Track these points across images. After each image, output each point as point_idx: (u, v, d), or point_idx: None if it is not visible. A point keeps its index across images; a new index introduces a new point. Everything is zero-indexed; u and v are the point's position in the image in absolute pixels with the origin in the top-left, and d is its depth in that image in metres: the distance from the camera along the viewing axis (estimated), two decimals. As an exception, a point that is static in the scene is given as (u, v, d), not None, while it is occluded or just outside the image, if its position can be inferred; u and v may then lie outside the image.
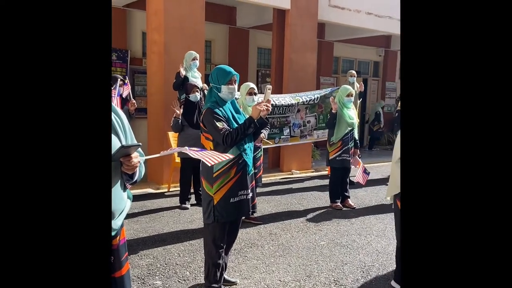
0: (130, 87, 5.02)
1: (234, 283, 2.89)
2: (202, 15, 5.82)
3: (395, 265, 3.09)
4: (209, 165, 1.95)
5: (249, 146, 2.61)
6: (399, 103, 6.51)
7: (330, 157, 4.96)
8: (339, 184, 5.04)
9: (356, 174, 4.91)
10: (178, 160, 5.12)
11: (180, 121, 4.61)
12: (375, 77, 11.65)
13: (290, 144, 6.48)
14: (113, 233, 1.52)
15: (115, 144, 1.51)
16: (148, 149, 5.86)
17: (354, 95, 4.98)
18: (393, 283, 2.95)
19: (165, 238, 3.79)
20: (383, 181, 6.63)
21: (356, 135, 5.04)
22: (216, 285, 2.64)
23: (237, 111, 2.65)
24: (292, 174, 7.12)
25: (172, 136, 5.34)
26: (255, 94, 4.08)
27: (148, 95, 6.17)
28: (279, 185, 6.26)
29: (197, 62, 5.13)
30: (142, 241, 3.66)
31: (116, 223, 1.52)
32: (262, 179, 4.76)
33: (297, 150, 7.11)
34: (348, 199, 5.10)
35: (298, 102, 6.16)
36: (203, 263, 3.10)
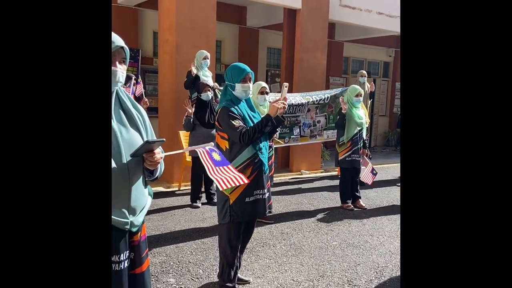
0: (142, 85, 5.04)
1: (247, 282, 2.89)
2: (213, 14, 5.84)
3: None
4: (221, 188, 1.82)
5: (264, 145, 2.61)
6: None
7: (340, 158, 4.94)
8: (349, 185, 5.02)
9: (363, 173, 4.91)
10: (189, 159, 5.13)
11: (191, 120, 4.62)
12: (385, 78, 11.59)
13: (299, 144, 6.47)
14: (134, 230, 1.52)
15: (137, 140, 1.51)
16: (158, 148, 5.87)
17: (363, 95, 4.96)
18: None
19: (177, 236, 3.80)
20: (394, 182, 6.59)
21: (365, 135, 5.02)
22: (230, 284, 2.64)
23: (252, 110, 2.65)
24: (301, 174, 7.11)
25: (183, 135, 5.35)
26: (266, 93, 4.09)
27: (159, 94, 6.20)
28: (289, 185, 6.25)
29: (208, 61, 5.15)
30: (154, 239, 3.67)
31: (137, 219, 1.52)
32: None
33: (306, 150, 7.09)
34: (359, 200, 5.07)
35: (308, 102, 6.15)
36: (216, 261, 3.12)
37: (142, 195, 1.55)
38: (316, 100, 6.22)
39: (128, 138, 1.49)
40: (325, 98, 6.31)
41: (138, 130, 1.53)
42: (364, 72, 6.72)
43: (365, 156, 4.97)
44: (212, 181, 2.52)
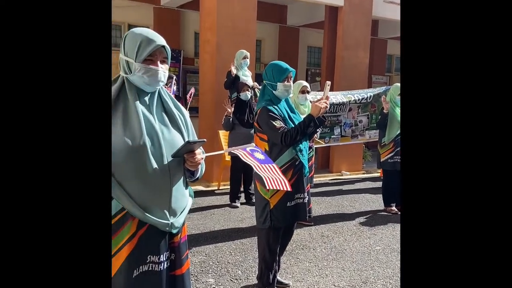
0: (176, 83, 5.09)
1: (287, 285, 2.83)
2: (254, 14, 5.82)
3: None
4: (268, 187, 1.82)
5: (304, 147, 2.53)
6: None
7: (382, 159, 4.75)
8: (393, 187, 4.81)
9: None
10: (228, 158, 5.14)
11: (231, 119, 4.62)
12: (431, 76, 11.10)
13: (340, 144, 6.32)
14: (175, 231, 1.50)
15: (179, 140, 1.50)
16: (199, 147, 5.95)
17: None
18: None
19: (216, 235, 3.81)
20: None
21: None
22: None
23: (292, 110, 2.58)
24: (342, 175, 6.94)
25: (223, 135, 5.38)
26: (307, 92, 4.00)
27: (200, 94, 6.27)
28: (329, 186, 6.12)
29: (248, 60, 5.14)
30: (194, 238, 3.70)
31: (178, 220, 1.50)
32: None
33: (347, 150, 6.91)
34: (404, 203, 4.85)
35: (349, 101, 5.98)
36: (255, 263, 3.08)
37: (183, 196, 1.53)
38: (358, 99, 6.04)
39: (169, 138, 1.48)
40: (367, 97, 6.11)
41: (179, 130, 1.52)
42: (409, 70, 6.44)
43: None
44: (251, 181, 2.49)
